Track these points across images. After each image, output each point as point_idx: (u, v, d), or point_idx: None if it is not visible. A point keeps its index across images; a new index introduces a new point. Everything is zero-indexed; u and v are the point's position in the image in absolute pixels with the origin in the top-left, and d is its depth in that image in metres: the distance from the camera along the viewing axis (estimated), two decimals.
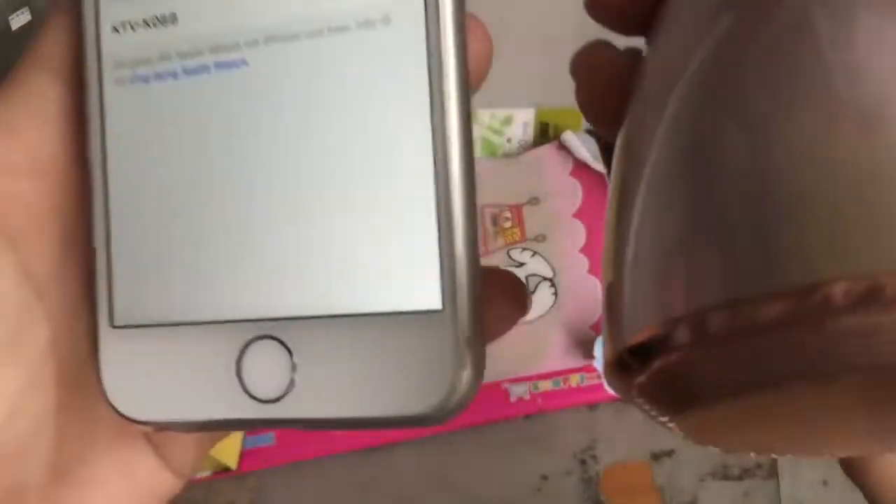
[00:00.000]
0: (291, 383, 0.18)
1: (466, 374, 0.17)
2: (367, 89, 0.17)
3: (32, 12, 0.60)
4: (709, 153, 0.14)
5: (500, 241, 0.62)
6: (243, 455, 0.58)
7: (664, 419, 0.16)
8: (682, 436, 0.17)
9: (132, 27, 0.19)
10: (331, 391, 0.18)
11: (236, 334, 0.18)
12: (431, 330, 0.17)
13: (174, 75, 0.19)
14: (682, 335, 0.14)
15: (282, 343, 0.18)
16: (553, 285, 0.59)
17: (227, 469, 0.57)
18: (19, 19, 0.59)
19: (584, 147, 0.63)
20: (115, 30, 0.19)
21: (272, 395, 0.18)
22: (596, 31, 0.22)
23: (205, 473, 0.57)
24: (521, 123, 0.72)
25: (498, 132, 0.72)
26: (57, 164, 0.19)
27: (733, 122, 0.14)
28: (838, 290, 0.12)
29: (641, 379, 0.16)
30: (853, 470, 0.21)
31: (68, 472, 0.20)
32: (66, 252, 0.20)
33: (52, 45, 0.20)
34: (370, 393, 0.17)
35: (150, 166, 0.19)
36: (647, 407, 0.17)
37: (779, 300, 0.13)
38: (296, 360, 0.18)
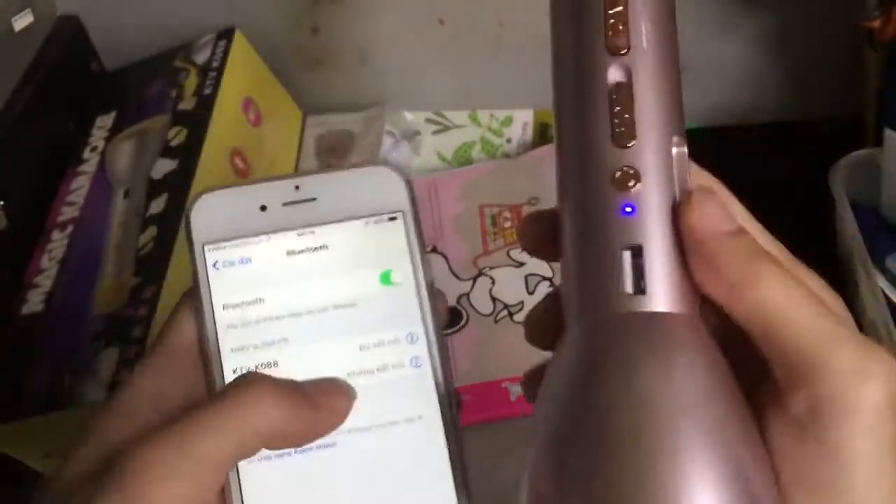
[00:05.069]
0: None
1: None
2: (410, 451, 0.31)
3: (35, 14, 0.60)
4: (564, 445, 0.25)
5: (500, 242, 0.63)
6: None
7: None
8: None
9: None
10: None
11: None
12: None
13: (290, 454, 0.30)
14: None
15: None
16: (552, 285, 0.59)
17: None
18: (22, 20, 0.59)
19: None
20: None
21: None
22: None
23: None
24: (521, 124, 0.73)
25: (497, 133, 0.73)
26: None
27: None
28: None
29: None
30: None
31: None
32: None
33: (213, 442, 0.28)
34: None
35: (275, 497, 0.30)
36: None
37: None
38: None
